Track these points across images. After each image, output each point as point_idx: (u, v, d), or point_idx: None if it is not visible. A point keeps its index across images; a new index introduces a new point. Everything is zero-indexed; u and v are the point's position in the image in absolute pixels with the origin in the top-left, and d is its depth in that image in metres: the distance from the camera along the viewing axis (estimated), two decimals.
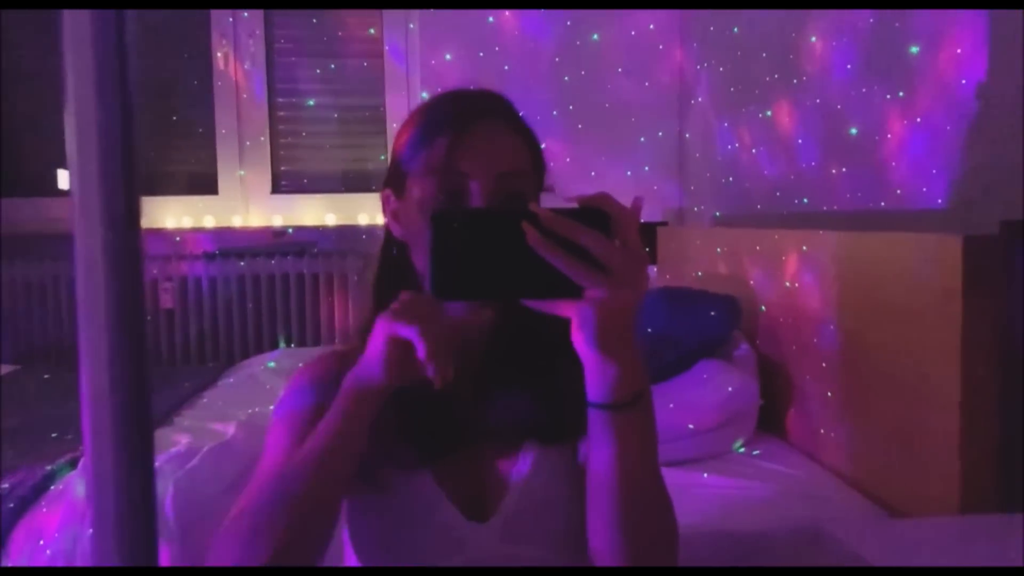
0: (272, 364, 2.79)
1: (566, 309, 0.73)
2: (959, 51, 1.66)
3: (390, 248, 0.96)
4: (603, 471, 0.79)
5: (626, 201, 0.73)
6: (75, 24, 0.41)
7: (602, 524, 0.81)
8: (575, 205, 0.72)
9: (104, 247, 0.40)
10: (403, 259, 0.93)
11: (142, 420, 0.42)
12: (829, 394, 1.85)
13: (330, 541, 0.85)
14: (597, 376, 0.75)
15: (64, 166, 3.45)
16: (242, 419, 1.97)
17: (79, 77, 0.41)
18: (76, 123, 0.41)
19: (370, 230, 3.36)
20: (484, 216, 0.76)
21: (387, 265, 0.96)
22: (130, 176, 0.43)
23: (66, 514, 1.55)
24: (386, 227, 0.96)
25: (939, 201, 1.74)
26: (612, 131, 3.37)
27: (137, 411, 0.42)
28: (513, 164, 0.89)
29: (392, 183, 0.94)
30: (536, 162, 0.92)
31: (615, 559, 0.82)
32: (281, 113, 3.59)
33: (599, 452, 0.78)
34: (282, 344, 3.35)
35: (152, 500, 0.43)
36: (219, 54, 3.48)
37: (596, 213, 0.71)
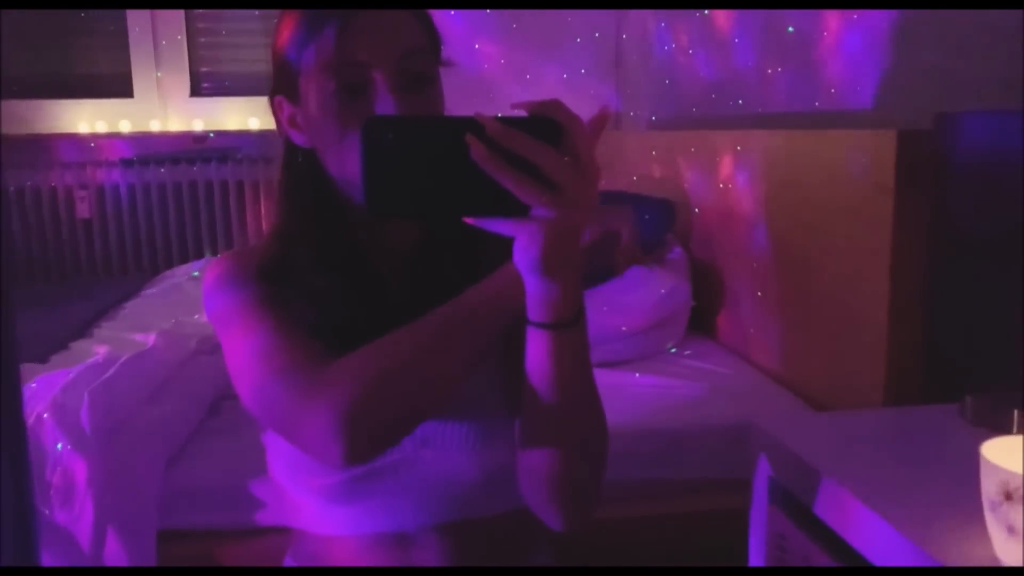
0: (197, 273, 2.70)
1: (510, 228, 0.67)
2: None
3: (294, 157, 0.88)
4: (540, 387, 0.76)
5: (577, 108, 0.67)
6: None
7: (534, 434, 0.80)
8: (523, 113, 0.66)
9: None
10: (312, 166, 0.87)
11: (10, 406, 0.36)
12: (759, 294, 1.86)
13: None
14: (539, 296, 0.71)
15: None
16: (165, 328, 1.90)
17: None
18: None
19: None
20: (422, 125, 0.68)
21: (294, 175, 0.89)
22: None
23: None
24: (285, 137, 0.89)
25: (873, 100, 1.72)
26: (548, 32, 3.27)
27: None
28: (411, 43, 0.82)
29: (282, 88, 0.86)
30: (432, 36, 0.86)
31: (544, 466, 0.81)
32: (198, 11, 3.38)
33: (537, 369, 0.75)
34: (207, 253, 3.24)
35: (29, 498, 0.38)
36: None
37: (547, 123, 0.64)
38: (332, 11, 0.80)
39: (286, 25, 0.84)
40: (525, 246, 0.67)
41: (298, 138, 0.87)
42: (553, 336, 0.72)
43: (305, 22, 0.82)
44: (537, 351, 0.74)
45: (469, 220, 0.67)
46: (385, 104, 0.80)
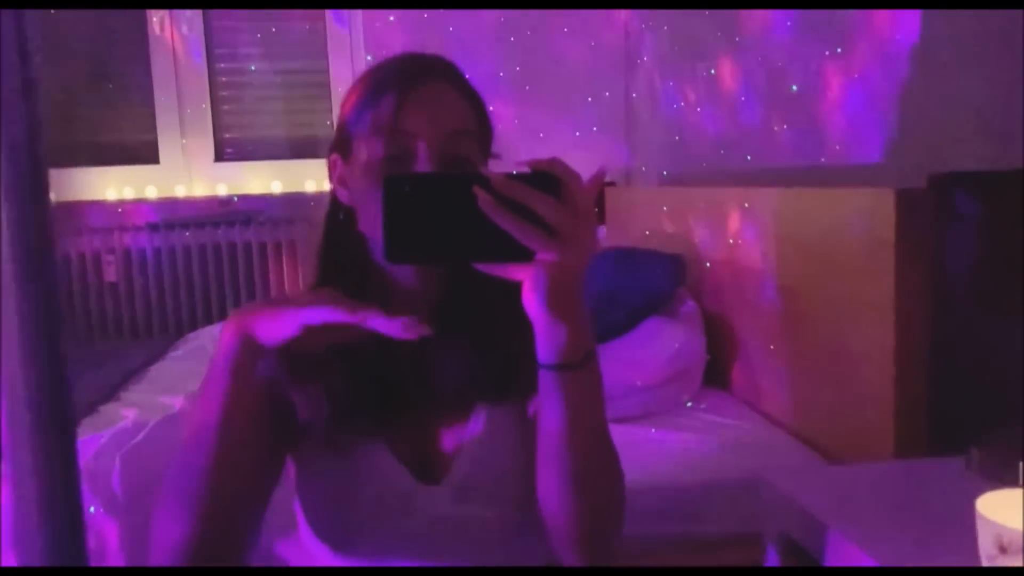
0: None
1: (517, 272, 0.73)
2: (893, 8, 1.68)
3: (336, 213, 0.95)
4: (552, 430, 0.80)
5: (578, 163, 0.74)
6: None
7: (551, 482, 0.83)
8: (526, 170, 0.73)
9: (9, 222, 0.39)
10: (350, 225, 0.93)
11: (61, 410, 0.41)
12: (771, 347, 1.89)
13: (256, 511, 0.86)
14: (547, 337, 0.76)
15: None
16: (191, 391, 1.95)
17: None
18: None
19: (317, 197, 3.32)
20: (436, 180, 0.76)
21: (333, 231, 0.95)
22: (34, 148, 0.41)
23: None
24: (332, 192, 0.96)
25: (876, 154, 1.77)
26: (559, 92, 3.35)
27: (55, 403, 0.40)
28: (459, 125, 0.88)
29: (339, 147, 0.94)
30: (483, 126, 0.92)
31: (563, 516, 0.84)
32: (222, 79, 3.50)
33: (548, 412, 0.80)
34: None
35: (77, 493, 0.43)
36: (155, 19, 3.38)
37: (547, 177, 0.71)
38: (394, 85, 0.87)
39: (353, 91, 0.92)
40: (531, 289, 0.73)
41: (342, 195, 0.94)
42: (562, 377, 0.77)
43: (369, 91, 0.89)
44: (547, 393, 0.79)
45: (479, 266, 0.73)
46: None
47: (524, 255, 0.71)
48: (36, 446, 0.40)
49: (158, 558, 0.81)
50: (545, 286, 0.72)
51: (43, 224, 0.41)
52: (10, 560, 0.41)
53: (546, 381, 0.78)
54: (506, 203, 0.69)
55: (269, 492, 0.90)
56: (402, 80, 0.88)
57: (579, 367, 0.77)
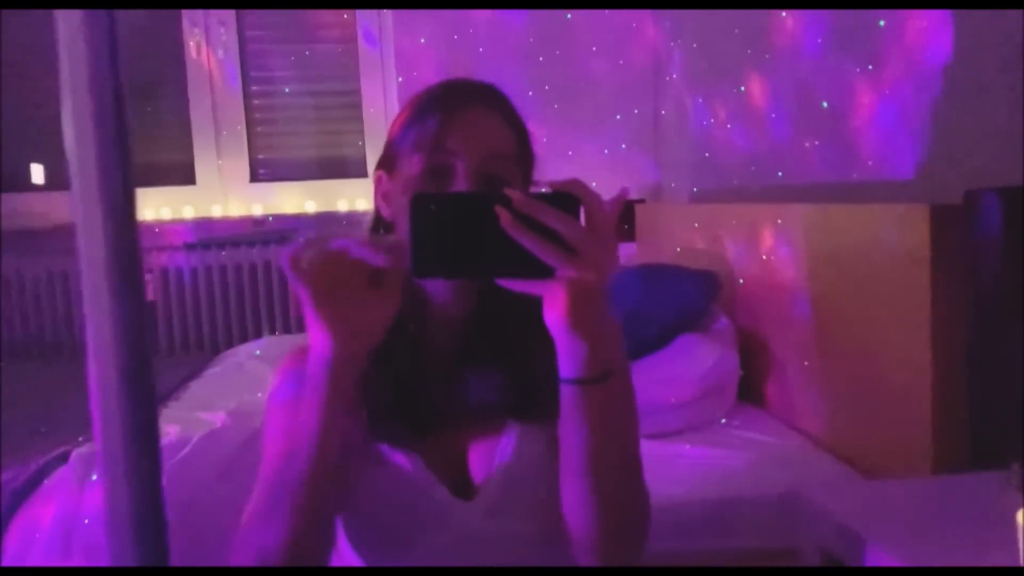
0: (258, 352, 2.79)
1: (538, 288, 0.76)
2: (924, 24, 1.69)
3: (377, 228, 0.99)
4: (574, 445, 0.82)
5: (607, 181, 0.76)
6: (67, 23, 0.43)
7: (573, 495, 0.85)
8: (548, 190, 0.75)
9: (105, 234, 0.42)
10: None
11: (147, 405, 0.44)
12: (806, 363, 1.89)
13: (334, 522, 0.88)
14: (567, 352, 0.78)
15: (37, 160, 3.43)
16: (231, 407, 1.98)
17: (73, 74, 0.43)
18: (73, 118, 0.43)
19: (350, 216, 3.37)
20: (460, 199, 0.80)
21: None
22: (126, 165, 0.44)
23: (59, 507, 1.57)
24: (376, 208, 0.99)
25: (908, 171, 1.77)
26: (588, 110, 3.38)
27: (144, 413, 0.43)
28: (498, 148, 0.91)
29: (384, 164, 0.97)
30: (523, 153, 0.95)
31: (585, 529, 0.85)
32: (256, 101, 3.58)
33: (569, 426, 0.82)
34: (266, 332, 3.36)
35: (159, 488, 0.45)
36: (191, 43, 3.46)
37: (566, 197, 0.74)
38: (440, 106, 0.91)
39: (403, 111, 0.96)
40: (551, 305, 0.75)
41: (384, 210, 0.97)
42: (582, 392, 0.79)
43: (416, 111, 0.93)
44: (569, 407, 0.81)
45: (501, 282, 0.76)
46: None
47: (544, 272, 0.73)
48: (128, 455, 0.43)
49: (246, 562, 0.83)
50: (565, 302, 0.74)
51: (133, 236, 0.44)
52: (103, 560, 0.44)
53: (568, 395, 0.80)
54: (527, 222, 0.72)
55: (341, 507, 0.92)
56: (448, 102, 0.92)
57: (600, 382, 0.79)
